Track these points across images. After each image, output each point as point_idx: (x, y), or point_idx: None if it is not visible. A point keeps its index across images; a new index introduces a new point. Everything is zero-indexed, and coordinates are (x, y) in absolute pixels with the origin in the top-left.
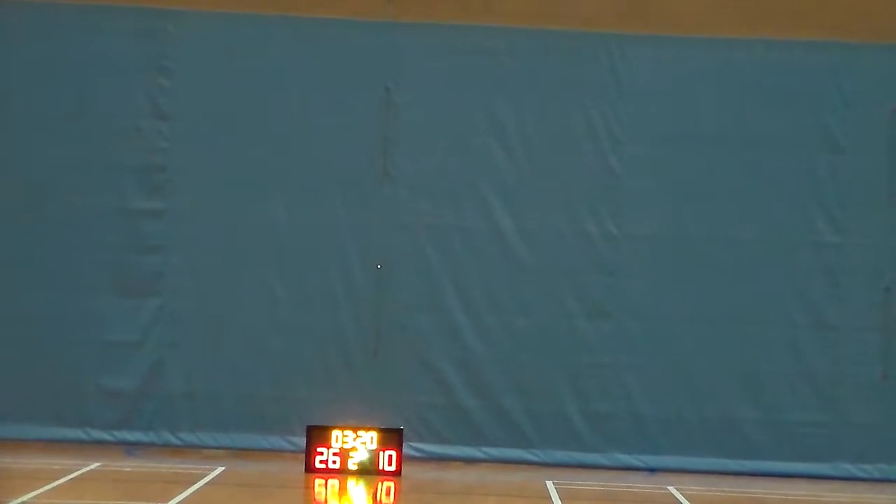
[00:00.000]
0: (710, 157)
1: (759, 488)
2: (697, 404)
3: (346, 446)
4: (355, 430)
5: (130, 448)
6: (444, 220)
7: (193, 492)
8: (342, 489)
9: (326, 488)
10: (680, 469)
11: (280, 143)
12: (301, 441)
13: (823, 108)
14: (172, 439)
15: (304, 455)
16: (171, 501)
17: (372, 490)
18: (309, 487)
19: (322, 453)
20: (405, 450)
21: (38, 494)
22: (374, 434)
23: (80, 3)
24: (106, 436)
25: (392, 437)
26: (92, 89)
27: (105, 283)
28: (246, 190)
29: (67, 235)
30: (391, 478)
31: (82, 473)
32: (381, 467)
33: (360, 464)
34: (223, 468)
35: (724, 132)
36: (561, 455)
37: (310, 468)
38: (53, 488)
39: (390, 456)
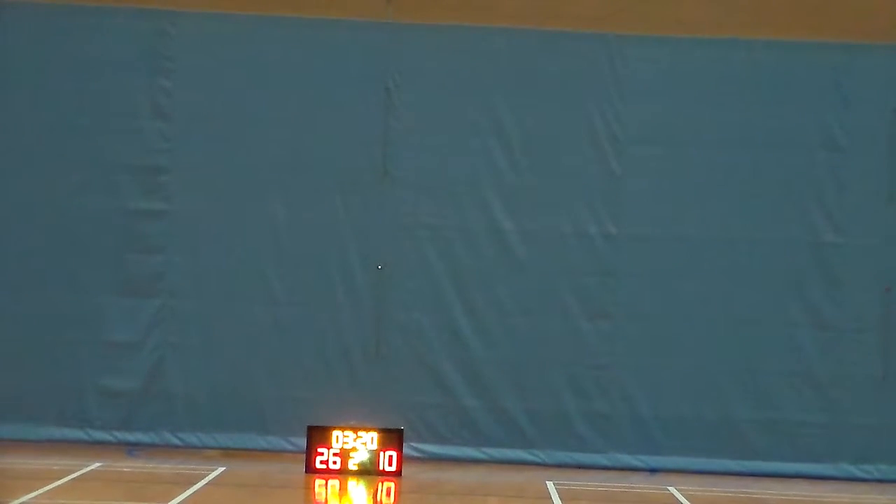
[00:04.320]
0: (709, 157)
1: (760, 489)
2: (697, 404)
3: (346, 447)
4: (356, 430)
5: (131, 448)
6: (445, 220)
7: (194, 492)
8: (342, 490)
9: (327, 489)
10: (680, 469)
11: (280, 144)
12: (301, 441)
13: (824, 108)
14: (173, 440)
15: (304, 455)
16: (172, 502)
17: (372, 490)
18: (309, 488)
19: (322, 454)
20: (406, 450)
21: (39, 495)
22: (374, 434)
23: (80, 4)
24: (106, 436)
25: (392, 437)
26: (92, 90)
27: (106, 284)
28: (246, 190)
29: (68, 236)
30: (391, 478)
31: (83, 474)
32: (381, 468)
33: (361, 464)
34: (224, 468)
35: (723, 132)
36: (561, 455)
37: (310, 468)
38: (54, 489)
39: (391, 456)
